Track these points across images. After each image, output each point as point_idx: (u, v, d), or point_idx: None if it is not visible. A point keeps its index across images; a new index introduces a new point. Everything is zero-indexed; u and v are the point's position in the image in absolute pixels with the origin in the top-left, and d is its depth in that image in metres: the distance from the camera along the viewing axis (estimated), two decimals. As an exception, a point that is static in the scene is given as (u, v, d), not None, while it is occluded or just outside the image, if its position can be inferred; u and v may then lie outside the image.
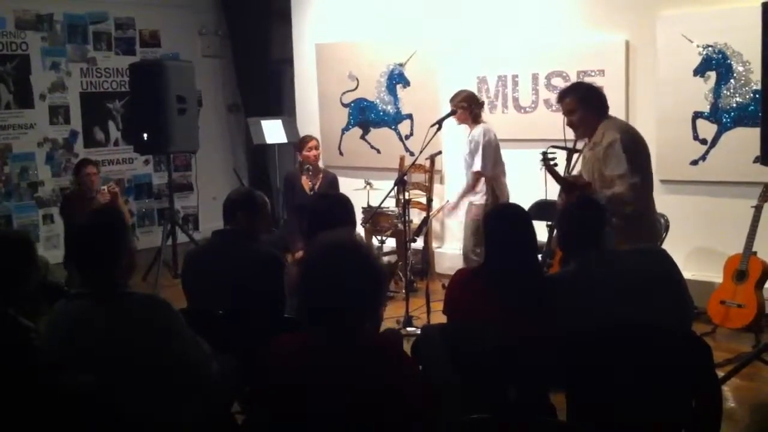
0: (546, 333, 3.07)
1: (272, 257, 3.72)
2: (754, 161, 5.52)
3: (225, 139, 9.93)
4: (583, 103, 4.65)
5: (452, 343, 3.14)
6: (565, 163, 5.21)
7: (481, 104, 6.44)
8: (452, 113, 6.14)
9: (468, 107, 6.28)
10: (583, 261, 3.28)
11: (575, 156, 5.00)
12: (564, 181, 4.72)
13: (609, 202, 4.30)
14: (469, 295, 3.30)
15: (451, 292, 3.42)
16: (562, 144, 5.00)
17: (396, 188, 6.12)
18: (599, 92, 4.77)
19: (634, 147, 4.55)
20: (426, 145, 5.94)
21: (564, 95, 4.77)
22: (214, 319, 3.57)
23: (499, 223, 3.34)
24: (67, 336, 2.54)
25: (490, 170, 6.22)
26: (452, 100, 6.34)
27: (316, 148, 6.78)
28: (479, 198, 6.28)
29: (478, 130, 6.24)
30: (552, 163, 4.69)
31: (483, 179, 6.23)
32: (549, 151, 4.75)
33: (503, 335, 3.07)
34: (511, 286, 3.18)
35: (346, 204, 3.78)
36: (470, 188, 6.25)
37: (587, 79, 6.56)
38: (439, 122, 6.00)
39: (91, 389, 2.44)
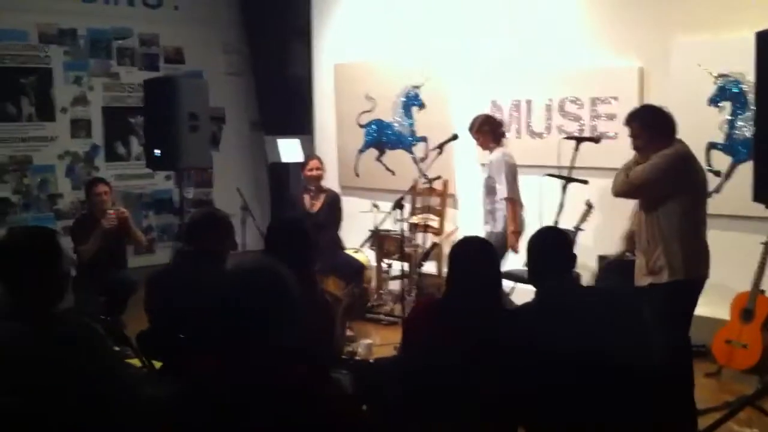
0: (499, 367, 2.94)
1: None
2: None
3: (246, 156, 9.93)
4: (648, 128, 4.58)
5: (403, 377, 3.05)
6: (561, 192, 5.11)
7: (500, 123, 6.32)
8: (454, 138, 6.04)
9: (490, 130, 6.17)
10: (546, 293, 3.15)
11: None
12: None
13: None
14: (427, 327, 3.19)
15: (409, 324, 3.31)
16: (556, 172, 4.88)
17: (398, 211, 6.04)
18: (667, 117, 4.65)
19: (677, 170, 4.47)
20: (428, 169, 5.86)
21: (631, 119, 4.70)
22: (175, 342, 3.52)
23: (461, 256, 3.24)
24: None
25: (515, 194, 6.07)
26: (471, 128, 6.21)
27: (318, 168, 6.71)
28: (496, 226, 6.13)
29: (497, 154, 6.12)
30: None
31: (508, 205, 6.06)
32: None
33: (456, 369, 2.96)
34: (467, 320, 3.06)
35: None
36: (511, 216, 6.05)
37: (601, 107, 6.46)
38: (440, 146, 5.91)
39: (11, 411, 2.38)
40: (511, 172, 6.09)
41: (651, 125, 4.58)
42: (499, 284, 3.30)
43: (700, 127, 5.94)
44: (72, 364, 2.47)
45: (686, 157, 4.56)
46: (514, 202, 6.06)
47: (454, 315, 3.16)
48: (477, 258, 3.26)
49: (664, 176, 4.45)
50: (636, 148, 4.67)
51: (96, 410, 2.52)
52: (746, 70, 5.72)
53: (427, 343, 3.19)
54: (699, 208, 4.62)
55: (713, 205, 5.93)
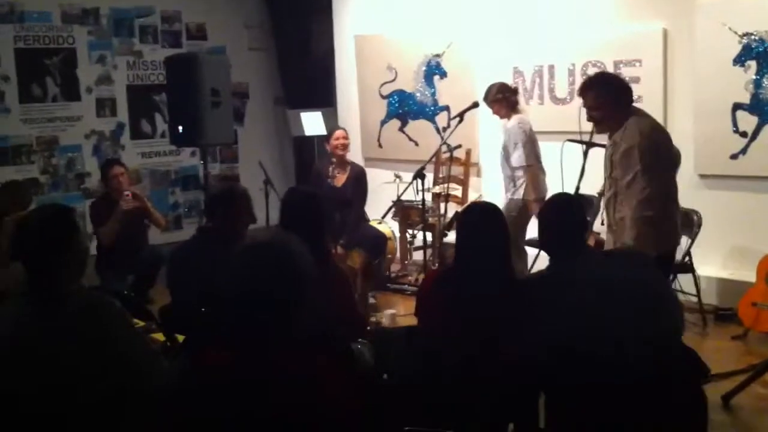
0: (509, 339, 2.92)
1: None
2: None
3: (271, 130, 9.95)
4: (608, 100, 4.28)
5: (417, 349, 3.05)
6: (582, 158, 5.06)
7: (515, 90, 6.24)
8: (474, 105, 5.98)
9: (504, 98, 6.09)
10: (560, 264, 3.11)
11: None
12: None
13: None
14: (437, 297, 3.18)
15: (421, 293, 3.30)
16: (578, 138, 4.83)
17: (419, 181, 6.03)
18: (625, 86, 4.39)
19: (653, 153, 4.17)
20: (448, 137, 5.84)
21: (587, 89, 4.38)
22: (193, 317, 3.55)
23: (468, 222, 3.21)
24: (2, 339, 2.50)
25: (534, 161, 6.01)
26: (486, 98, 6.14)
27: (344, 138, 6.63)
28: (516, 193, 6.09)
29: (513, 122, 6.04)
30: None
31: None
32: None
33: (464, 344, 2.96)
34: (474, 287, 3.04)
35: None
36: (531, 183, 5.96)
37: (624, 69, 6.34)
38: (461, 114, 5.87)
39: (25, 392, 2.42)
40: (529, 140, 6.00)
41: (610, 97, 4.28)
42: (507, 250, 3.23)
43: (725, 87, 5.85)
44: (86, 339, 2.49)
45: (661, 130, 4.32)
46: (533, 168, 5.99)
47: (461, 282, 3.13)
48: (484, 224, 3.21)
49: (658, 153, 4.17)
50: (592, 119, 4.39)
51: (110, 385, 2.54)
52: (771, 27, 5.62)
53: (437, 311, 3.18)
54: (674, 182, 4.37)
55: (739, 166, 5.88)
